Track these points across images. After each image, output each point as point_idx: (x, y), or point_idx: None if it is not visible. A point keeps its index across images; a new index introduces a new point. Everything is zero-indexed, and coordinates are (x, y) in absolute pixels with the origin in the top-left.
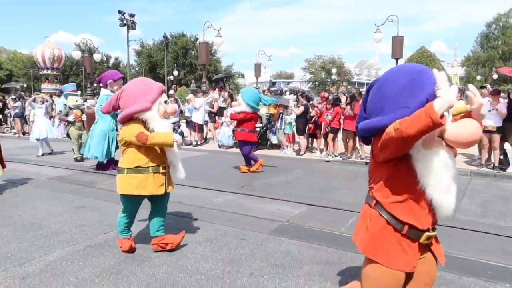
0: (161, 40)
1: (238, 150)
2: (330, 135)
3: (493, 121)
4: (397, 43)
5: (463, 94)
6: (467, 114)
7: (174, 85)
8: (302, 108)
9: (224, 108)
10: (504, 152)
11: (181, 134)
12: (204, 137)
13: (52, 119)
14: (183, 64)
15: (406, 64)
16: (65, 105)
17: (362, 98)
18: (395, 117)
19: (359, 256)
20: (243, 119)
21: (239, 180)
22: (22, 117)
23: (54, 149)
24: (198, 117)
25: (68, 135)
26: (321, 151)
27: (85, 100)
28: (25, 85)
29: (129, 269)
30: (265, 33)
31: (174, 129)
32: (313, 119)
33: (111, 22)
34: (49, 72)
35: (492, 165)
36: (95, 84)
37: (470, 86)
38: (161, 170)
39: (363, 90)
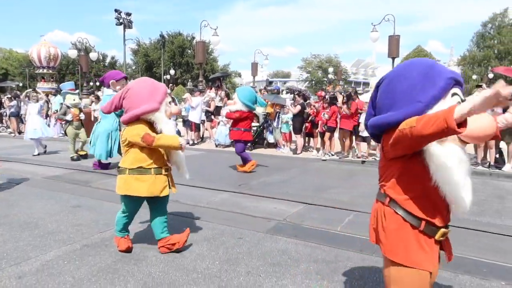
0: (157, 39)
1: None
2: (327, 134)
3: None
4: (394, 42)
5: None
6: None
7: (170, 84)
8: (298, 107)
9: (221, 107)
10: (499, 151)
11: (178, 133)
12: (201, 136)
13: (48, 118)
14: (180, 63)
15: (416, 59)
16: (61, 103)
17: (371, 95)
18: (407, 112)
19: (355, 255)
20: (239, 118)
21: (236, 179)
22: (18, 116)
23: (50, 148)
24: (195, 116)
25: (66, 134)
26: (318, 150)
27: (80, 99)
28: (20, 84)
29: (125, 268)
30: (261, 32)
31: None
32: (310, 118)
33: (107, 20)
34: (45, 71)
35: (488, 163)
36: (91, 83)
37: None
38: (164, 172)
39: (360, 89)
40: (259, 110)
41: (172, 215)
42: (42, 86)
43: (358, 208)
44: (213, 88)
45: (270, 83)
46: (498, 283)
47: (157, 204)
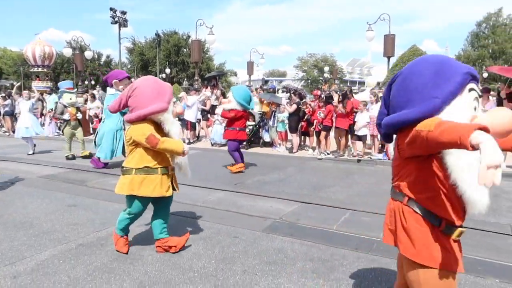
0: (153, 37)
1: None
2: (323, 133)
3: None
4: (389, 41)
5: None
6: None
7: None
8: (294, 106)
9: (217, 106)
10: None
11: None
12: (197, 135)
13: (43, 117)
14: (175, 62)
15: (429, 55)
16: (56, 102)
17: (384, 93)
18: (424, 110)
19: (351, 253)
20: (234, 118)
21: (232, 178)
22: (12, 115)
23: (45, 147)
24: (191, 115)
25: (63, 133)
26: (314, 149)
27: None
28: (15, 83)
29: (121, 267)
30: (257, 31)
31: None
32: (306, 117)
33: (103, 19)
34: (39, 69)
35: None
36: (86, 82)
37: None
38: (170, 172)
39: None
40: (256, 109)
41: None
42: (37, 84)
43: (354, 206)
44: (208, 87)
45: (266, 82)
46: (493, 281)
47: (161, 204)
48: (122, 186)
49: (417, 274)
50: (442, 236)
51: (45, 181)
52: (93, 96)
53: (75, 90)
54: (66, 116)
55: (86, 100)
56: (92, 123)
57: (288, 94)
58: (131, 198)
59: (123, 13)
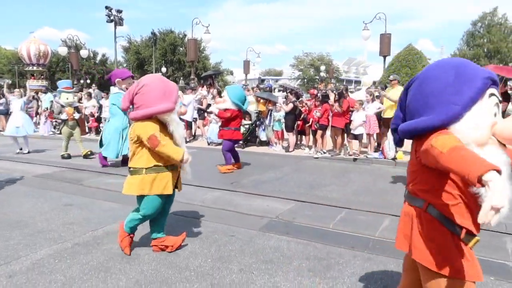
0: (149, 36)
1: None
2: (319, 132)
3: None
4: (385, 40)
5: None
6: None
7: None
8: (291, 105)
9: (211, 105)
10: None
11: None
12: (193, 134)
13: (38, 116)
14: (172, 61)
15: (445, 59)
16: (51, 101)
17: (400, 97)
18: (443, 118)
19: (347, 251)
20: (229, 117)
21: (228, 177)
22: (7, 114)
23: (41, 146)
24: (187, 114)
25: (61, 133)
26: (310, 148)
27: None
28: (10, 82)
29: (117, 266)
30: (253, 30)
31: None
32: (302, 116)
33: (98, 18)
34: (34, 68)
35: None
36: (81, 81)
37: None
38: (178, 169)
39: (351, 87)
40: (252, 108)
41: None
42: (32, 83)
43: (350, 205)
44: (205, 86)
45: (262, 81)
46: (488, 278)
47: (165, 203)
48: (131, 186)
49: (438, 284)
50: (461, 244)
51: (41, 180)
52: (89, 95)
53: (73, 89)
54: (63, 116)
55: (80, 99)
56: (88, 122)
57: (285, 93)
58: (141, 199)
59: (119, 11)
